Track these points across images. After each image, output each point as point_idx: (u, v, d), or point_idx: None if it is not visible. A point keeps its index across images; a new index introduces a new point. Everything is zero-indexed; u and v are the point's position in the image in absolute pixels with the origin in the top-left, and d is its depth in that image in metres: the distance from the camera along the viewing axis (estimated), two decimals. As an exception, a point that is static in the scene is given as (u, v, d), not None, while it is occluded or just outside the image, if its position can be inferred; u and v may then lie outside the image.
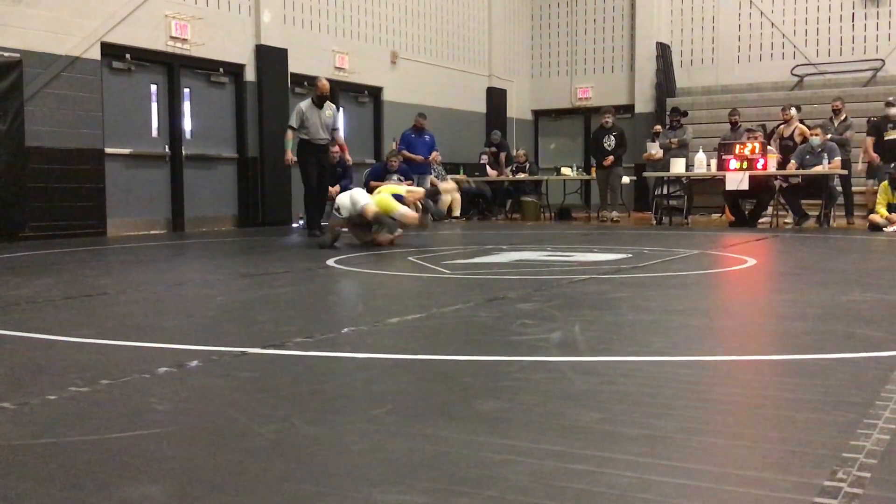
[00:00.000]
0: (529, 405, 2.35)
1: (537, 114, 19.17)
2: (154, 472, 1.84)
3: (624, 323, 3.79)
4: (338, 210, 8.25)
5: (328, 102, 9.78)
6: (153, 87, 11.23)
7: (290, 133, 9.58)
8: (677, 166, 11.97)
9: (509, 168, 15.18)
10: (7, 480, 1.79)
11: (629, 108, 17.58)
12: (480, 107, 17.40)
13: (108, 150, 10.40)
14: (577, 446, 1.98)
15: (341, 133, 10.30)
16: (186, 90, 11.59)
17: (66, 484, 1.77)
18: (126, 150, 10.78)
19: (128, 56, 10.67)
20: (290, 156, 9.56)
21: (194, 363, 2.90)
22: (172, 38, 11.10)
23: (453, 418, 2.23)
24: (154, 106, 11.26)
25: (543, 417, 2.23)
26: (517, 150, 16.10)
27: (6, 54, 9.09)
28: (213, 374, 2.79)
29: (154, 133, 11.26)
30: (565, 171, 14.80)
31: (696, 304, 4.52)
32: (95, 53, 10.16)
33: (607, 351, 3.15)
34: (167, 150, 11.30)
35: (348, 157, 10.45)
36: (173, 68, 11.28)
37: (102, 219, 10.26)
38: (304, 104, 9.64)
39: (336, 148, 12.21)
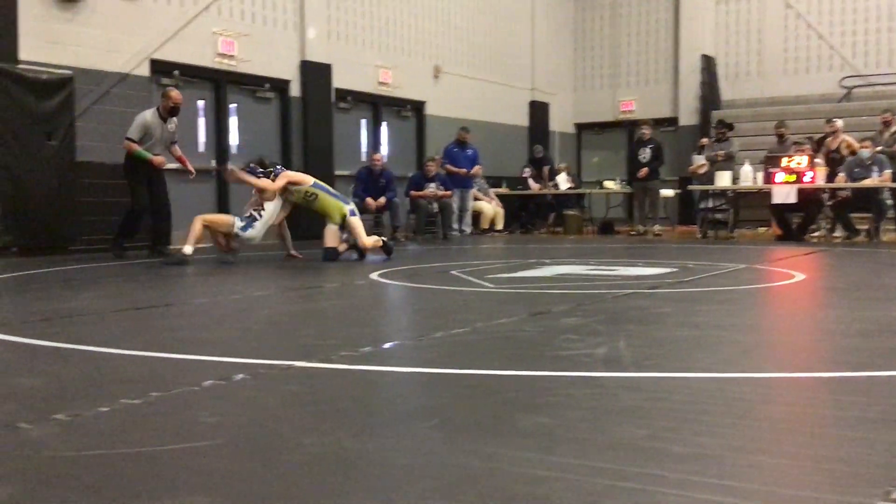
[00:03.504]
0: (575, 421, 2.34)
1: (580, 127, 19.11)
2: (204, 485, 1.86)
3: (670, 338, 3.75)
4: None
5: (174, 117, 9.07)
6: (200, 103, 11.43)
7: (134, 146, 8.71)
8: (723, 179, 11.85)
9: (552, 182, 15.15)
10: (59, 492, 1.83)
11: (673, 120, 17.45)
12: (523, 120, 17.40)
13: (157, 166, 10.57)
14: (624, 464, 1.96)
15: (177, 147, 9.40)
16: (233, 105, 11.78)
17: (116, 496, 1.80)
18: (174, 165, 10.94)
19: (176, 72, 10.88)
20: (160, 158, 8.88)
21: (241, 376, 2.93)
22: (220, 54, 11.29)
23: (499, 434, 2.22)
24: (201, 121, 11.46)
25: (590, 434, 2.22)
26: (559, 164, 16.07)
27: (59, 71, 9.33)
28: (260, 388, 2.82)
29: (201, 148, 11.45)
30: (608, 184, 14.73)
31: (743, 320, 4.46)
32: (145, 70, 10.38)
33: (653, 367, 3.12)
34: (213, 164, 11.47)
35: (190, 168, 9.38)
36: (220, 84, 11.47)
37: (169, 234, 10.41)
38: (149, 115, 8.83)
39: (377, 156, 12.30)
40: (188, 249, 7.83)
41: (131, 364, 3.25)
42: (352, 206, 8.59)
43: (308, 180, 8.53)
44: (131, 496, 1.80)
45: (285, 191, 8.39)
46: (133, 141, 8.76)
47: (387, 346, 3.63)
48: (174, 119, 9.10)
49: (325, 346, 3.57)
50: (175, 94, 9.03)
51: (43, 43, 9.30)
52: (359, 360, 3.24)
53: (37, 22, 9.25)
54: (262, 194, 8.24)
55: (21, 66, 8.99)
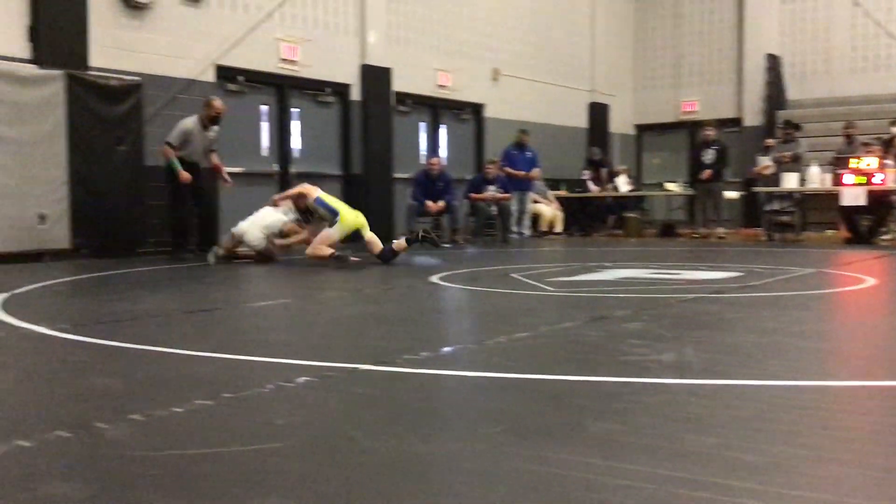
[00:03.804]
0: (644, 428, 2.32)
1: (640, 128, 18.91)
2: (276, 486, 1.89)
3: (738, 344, 3.69)
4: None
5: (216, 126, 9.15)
6: (264, 108, 11.62)
7: (169, 151, 8.85)
8: (790, 181, 11.61)
9: (611, 184, 15.01)
10: (137, 492, 1.88)
11: (737, 121, 17.15)
12: (582, 122, 17.29)
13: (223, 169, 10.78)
14: (695, 473, 1.94)
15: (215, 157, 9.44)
16: (295, 110, 11.94)
17: (192, 496, 1.85)
18: (238, 169, 11.15)
19: (241, 78, 11.08)
20: (185, 174, 8.90)
21: (309, 378, 2.97)
22: (283, 60, 11.46)
23: (566, 440, 2.22)
24: (264, 125, 11.65)
25: (659, 441, 2.19)
26: (620, 166, 15.92)
27: (128, 78, 9.57)
28: (327, 390, 2.86)
29: (264, 152, 11.64)
30: (669, 186, 14.54)
31: (813, 326, 4.36)
32: (210, 76, 10.59)
33: (722, 373, 3.08)
34: (276, 168, 11.65)
35: (226, 177, 9.44)
36: (283, 89, 11.65)
37: (216, 235, 10.63)
38: (190, 123, 8.97)
39: (435, 160, 12.32)
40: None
41: (202, 365, 3.32)
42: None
43: (312, 193, 8.44)
44: (207, 496, 1.84)
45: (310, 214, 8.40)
46: (172, 146, 8.92)
47: (450, 349, 3.65)
48: (215, 128, 9.23)
49: (389, 350, 3.60)
50: (217, 103, 9.18)
51: (112, 50, 9.56)
52: (423, 364, 3.26)
53: (106, 29, 9.51)
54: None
55: (91, 72, 9.25)
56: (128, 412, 2.50)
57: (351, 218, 8.36)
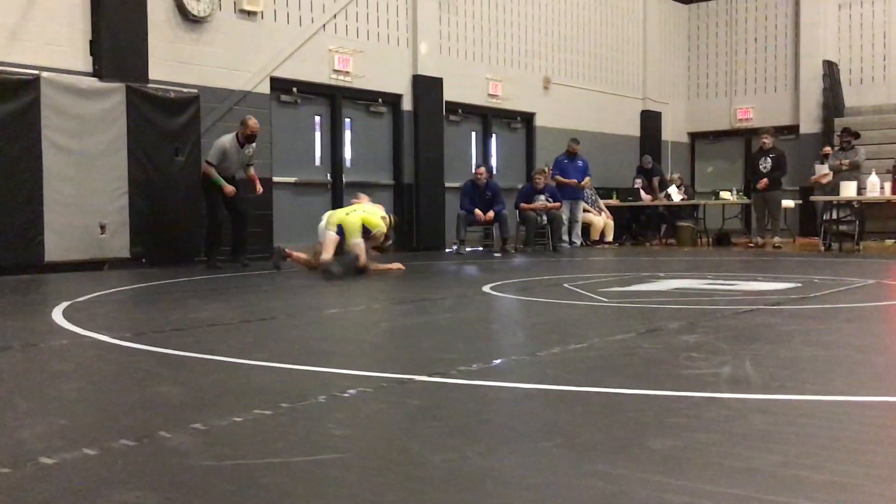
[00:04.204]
0: (704, 444, 2.29)
1: (693, 136, 18.70)
2: (337, 498, 1.91)
3: (799, 358, 3.62)
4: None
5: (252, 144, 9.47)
6: (317, 119, 11.76)
7: (212, 171, 9.23)
8: (848, 189, 11.37)
9: (663, 193, 14.86)
10: (199, 501, 1.91)
11: (794, 128, 16.86)
12: (634, 130, 17.15)
13: (276, 179, 10.96)
14: (760, 491, 1.90)
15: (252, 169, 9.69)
16: (347, 120, 12.07)
17: (257, 505, 1.87)
18: (292, 179, 11.31)
19: (294, 89, 11.23)
20: (230, 187, 9.30)
21: (366, 389, 2.99)
22: (335, 71, 11.60)
23: (625, 455, 2.20)
24: (317, 136, 11.79)
25: (720, 458, 2.16)
26: (672, 174, 15.75)
27: (185, 90, 9.76)
28: (384, 401, 2.88)
29: (317, 162, 11.78)
30: (724, 195, 14.34)
31: (876, 340, 4.26)
32: (265, 88, 10.75)
33: (783, 388, 3.02)
34: (329, 177, 11.77)
35: (259, 188, 9.64)
36: (335, 100, 11.78)
37: (269, 244, 10.78)
38: (227, 141, 9.29)
39: (481, 170, 12.31)
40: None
41: (261, 374, 3.36)
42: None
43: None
44: (269, 507, 1.86)
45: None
46: (212, 164, 9.26)
47: (505, 360, 3.64)
48: (251, 145, 9.52)
49: (443, 360, 3.61)
50: (253, 122, 9.43)
51: (171, 63, 9.77)
52: (478, 375, 3.26)
53: (165, 43, 9.72)
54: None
55: (151, 85, 9.46)
56: (189, 421, 2.54)
57: (336, 216, 8.32)
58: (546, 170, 13.35)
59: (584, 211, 14.10)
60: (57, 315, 5.19)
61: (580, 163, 13.72)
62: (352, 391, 2.95)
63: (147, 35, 9.48)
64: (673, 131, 18.12)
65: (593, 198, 14.56)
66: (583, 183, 13.69)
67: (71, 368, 3.67)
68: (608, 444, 2.31)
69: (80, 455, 2.23)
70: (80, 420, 2.70)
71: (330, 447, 2.31)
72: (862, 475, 2.04)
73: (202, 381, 3.26)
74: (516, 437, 2.43)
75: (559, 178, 13.47)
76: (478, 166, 12.77)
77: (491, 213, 12.08)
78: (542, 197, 12.79)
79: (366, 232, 8.18)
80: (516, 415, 2.74)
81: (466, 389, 3.08)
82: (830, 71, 16.49)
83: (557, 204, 12.86)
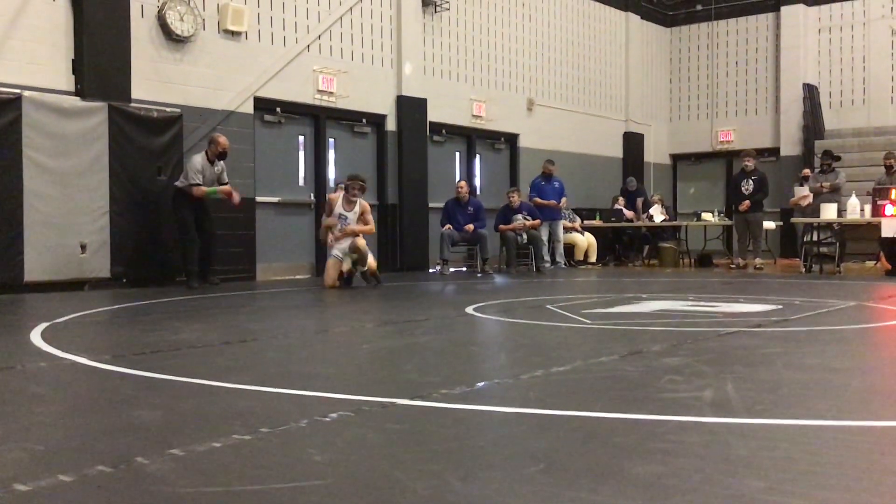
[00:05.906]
0: (687, 470, 2.28)
1: (676, 158, 18.83)
2: (316, 526, 1.88)
3: (780, 381, 3.62)
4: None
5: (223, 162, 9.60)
6: (300, 138, 11.75)
7: (198, 189, 9.28)
8: (829, 212, 11.46)
9: (646, 214, 14.93)
10: (181, 527, 1.88)
11: (774, 151, 17.02)
12: (617, 152, 17.26)
13: (259, 199, 10.93)
14: (742, 518, 1.90)
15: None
16: (331, 140, 12.06)
17: (235, 534, 1.84)
18: (275, 199, 11.28)
19: (278, 109, 11.23)
20: (231, 188, 9.62)
21: (347, 413, 2.97)
22: (320, 91, 11.61)
23: (607, 481, 2.18)
24: (301, 155, 11.78)
25: (703, 485, 2.15)
26: (653, 195, 15.83)
27: (168, 110, 9.73)
28: (364, 425, 2.85)
29: (301, 182, 11.75)
30: (706, 216, 14.42)
31: (857, 363, 4.28)
32: (249, 107, 10.74)
33: (765, 412, 3.02)
34: (312, 197, 11.75)
35: (236, 197, 9.68)
36: (320, 120, 11.78)
37: (252, 264, 10.75)
38: (199, 161, 9.34)
39: (462, 183, 12.31)
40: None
41: (240, 398, 3.33)
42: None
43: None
44: (248, 535, 1.84)
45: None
46: (199, 184, 9.31)
47: (487, 384, 3.63)
48: (221, 162, 9.60)
49: (425, 384, 3.59)
50: (222, 140, 9.54)
51: (154, 82, 9.75)
52: (460, 399, 3.25)
53: (148, 62, 9.70)
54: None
55: (133, 104, 9.42)
56: (168, 446, 2.51)
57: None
58: (517, 189, 13.30)
59: (571, 230, 14.15)
60: (35, 336, 5.13)
61: (556, 184, 13.74)
62: (333, 415, 2.93)
63: (130, 54, 9.45)
64: (655, 153, 18.24)
65: (572, 216, 14.61)
66: (560, 204, 13.72)
67: (48, 392, 3.62)
68: (591, 470, 2.30)
69: (55, 482, 2.19)
70: (56, 445, 2.66)
71: (311, 474, 2.28)
72: (846, 501, 2.03)
73: (181, 405, 3.23)
74: (498, 463, 2.42)
75: (537, 199, 13.49)
76: (458, 181, 12.77)
77: (471, 226, 12.09)
78: (520, 216, 12.81)
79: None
80: (498, 440, 2.73)
81: (449, 413, 3.06)
82: (811, 94, 16.67)
83: (537, 221, 12.87)
